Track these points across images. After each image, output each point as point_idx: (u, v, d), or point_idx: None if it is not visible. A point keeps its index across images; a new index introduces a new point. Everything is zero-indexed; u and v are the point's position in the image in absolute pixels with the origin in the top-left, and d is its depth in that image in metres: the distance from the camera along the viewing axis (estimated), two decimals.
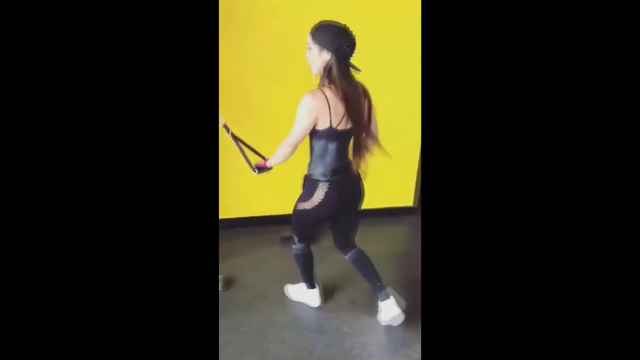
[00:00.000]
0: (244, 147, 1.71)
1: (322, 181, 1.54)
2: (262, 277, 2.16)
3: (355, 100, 1.44)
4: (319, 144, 1.50)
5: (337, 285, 2.09)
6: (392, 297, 1.72)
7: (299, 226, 1.72)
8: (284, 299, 1.99)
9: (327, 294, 2.01)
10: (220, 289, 2.06)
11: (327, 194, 1.55)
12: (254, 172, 1.67)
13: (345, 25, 1.38)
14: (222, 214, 2.66)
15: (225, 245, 2.30)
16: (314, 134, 1.49)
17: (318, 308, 1.93)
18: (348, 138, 1.52)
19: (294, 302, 1.98)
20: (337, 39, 1.35)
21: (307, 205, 1.59)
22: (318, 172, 1.55)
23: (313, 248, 1.84)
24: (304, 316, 1.89)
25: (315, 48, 1.38)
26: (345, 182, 1.58)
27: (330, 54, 1.36)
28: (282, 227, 2.50)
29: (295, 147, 1.50)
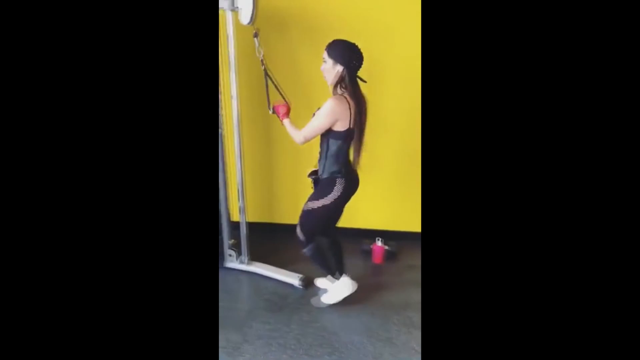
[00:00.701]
0: (271, 84, 1.95)
1: (339, 178, 1.78)
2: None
3: (362, 105, 1.71)
4: (336, 144, 1.74)
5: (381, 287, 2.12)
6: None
7: (317, 223, 1.90)
8: (359, 306, 2.07)
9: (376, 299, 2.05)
10: (298, 286, 2.22)
11: (344, 188, 1.79)
12: (269, 109, 1.94)
13: (354, 43, 1.64)
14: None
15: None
16: (331, 135, 1.72)
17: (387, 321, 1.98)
18: (352, 138, 1.75)
19: (370, 310, 2.05)
20: (348, 54, 1.62)
21: (327, 201, 1.81)
22: (335, 169, 1.78)
23: None
24: (374, 327, 1.95)
25: (329, 61, 1.66)
26: (352, 176, 1.83)
27: (343, 67, 1.64)
28: (364, 240, 2.62)
29: (307, 141, 1.78)
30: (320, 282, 2.25)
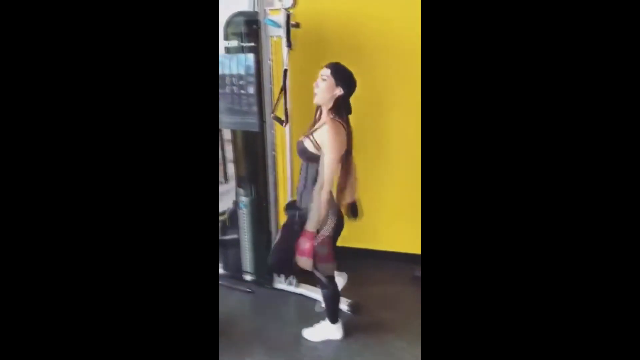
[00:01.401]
0: (282, 95, 1.99)
1: (334, 202, 1.68)
2: (389, 312, 2.18)
3: (351, 132, 1.66)
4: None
5: None
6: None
7: (331, 253, 1.67)
8: (406, 337, 1.97)
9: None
10: (347, 311, 2.16)
11: (339, 212, 1.72)
12: (271, 115, 2.00)
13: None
14: (356, 244, 2.79)
15: (355, 274, 2.41)
16: (321, 161, 1.60)
17: None
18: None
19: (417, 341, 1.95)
20: (351, 80, 1.62)
21: (325, 232, 1.63)
22: (330, 195, 1.64)
23: None
24: None
25: (331, 81, 1.60)
26: (339, 214, 1.74)
27: (342, 91, 1.60)
28: (415, 267, 2.51)
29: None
30: (311, 332, 2.03)
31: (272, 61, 2.04)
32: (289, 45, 1.94)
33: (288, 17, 1.90)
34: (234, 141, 2.26)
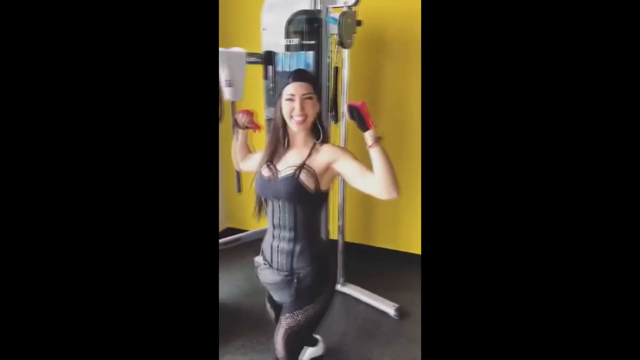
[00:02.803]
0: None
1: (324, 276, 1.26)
2: None
3: None
4: (319, 210, 1.25)
5: None
6: None
7: (302, 337, 1.31)
8: None
9: None
10: (393, 315, 2.13)
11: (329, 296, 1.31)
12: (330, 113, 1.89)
13: None
14: (402, 247, 2.74)
15: (401, 277, 2.37)
16: (312, 197, 1.17)
17: None
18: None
19: None
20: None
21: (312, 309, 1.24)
22: (315, 264, 1.21)
23: None
24: None
25: (314, 97, 1.18)
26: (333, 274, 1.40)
27: (319, 105, 1.21)
28: None
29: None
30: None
31: (330, 59, 2.04)
32: (341, 43, 1.92)
33: (341, 15, 1.88)
34: None
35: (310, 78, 1.20)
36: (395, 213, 2.69)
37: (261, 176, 1.24)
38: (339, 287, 2.38)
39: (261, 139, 1.50)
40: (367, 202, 2.74)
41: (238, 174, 1.98)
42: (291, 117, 1.16)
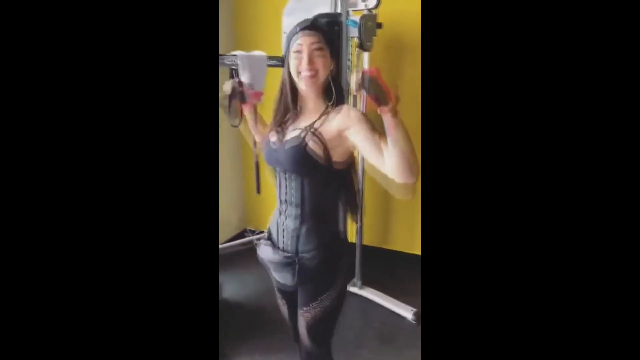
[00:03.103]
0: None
1: (339, 255, 1.16)
2: None
3: None
4: (334, 183, 1.10)
5: None
6: None
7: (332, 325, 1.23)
8: None
9: None
10: (411, 320, 2.12)
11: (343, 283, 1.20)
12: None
13: None
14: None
15: (419, 281, 2.34)
16: (325, 168, 1.02)
17: None
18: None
19: None
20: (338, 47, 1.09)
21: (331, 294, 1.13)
22: (327, 240, 1.10)
23: None
24: None
25: (326, 51, 1.01)
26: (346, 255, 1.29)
27: (334, 66, 1.04)
28: None
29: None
30: None
31: (350, 62, 2.04)
32: (362, 46, 1.92)
33: (361, 18, 1.88)
34: None
35: (322, 28, 1.03)
36: (415, 216, 2.67)
37: (268, 142, 1.10)
38: (356, 290, 2.37)
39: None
40: (386, 204, 2.72)
41: (257, 174, 2.00)
42: (299, 72, 1.00)
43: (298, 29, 1.01)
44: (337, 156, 1.02)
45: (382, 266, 2.68)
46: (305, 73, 0.99)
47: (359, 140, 0.96)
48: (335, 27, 1.96)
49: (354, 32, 1.94)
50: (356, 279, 2.39)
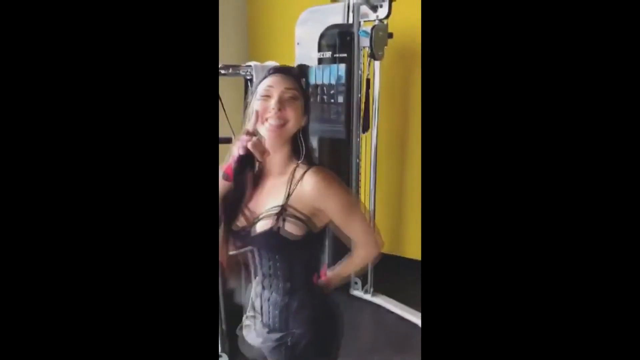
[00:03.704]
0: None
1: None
2: None
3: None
4: (310, 254, 0.95)
5: None
6: None
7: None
8: None
9: None
10: None
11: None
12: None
13: None
14: None
15: None
16: (305, 242, 0.87)
17: None
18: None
19: None
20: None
21: None
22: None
23: None
24: None
25: (299, 100, 0.84)
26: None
27: (306, 119, 0.88)
28: None
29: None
30: None
31: (362, 71, 2.08)
32: (373, 56, 1.96)
33: (373, 28, 1.92)
34: (320, 148, 2.34)
35: (298, 74, 0.87)
36: None
37: (234, 228, 0.90)
38: (368, 297, 2.38)
39: None
40: (398, 211, 2.73)
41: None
42: (265, 120, 0.82)
43: (271, 71, 0.86)
44: (321, 222, 0.88)
45: (395, 273, 2.69)
46: (273, 122, 0.81)
47: (332, 217, 0.87)
48: (347, 38, 2.00)
49: (365, 42, 1.98)
50: (368, 286, 2.40)
